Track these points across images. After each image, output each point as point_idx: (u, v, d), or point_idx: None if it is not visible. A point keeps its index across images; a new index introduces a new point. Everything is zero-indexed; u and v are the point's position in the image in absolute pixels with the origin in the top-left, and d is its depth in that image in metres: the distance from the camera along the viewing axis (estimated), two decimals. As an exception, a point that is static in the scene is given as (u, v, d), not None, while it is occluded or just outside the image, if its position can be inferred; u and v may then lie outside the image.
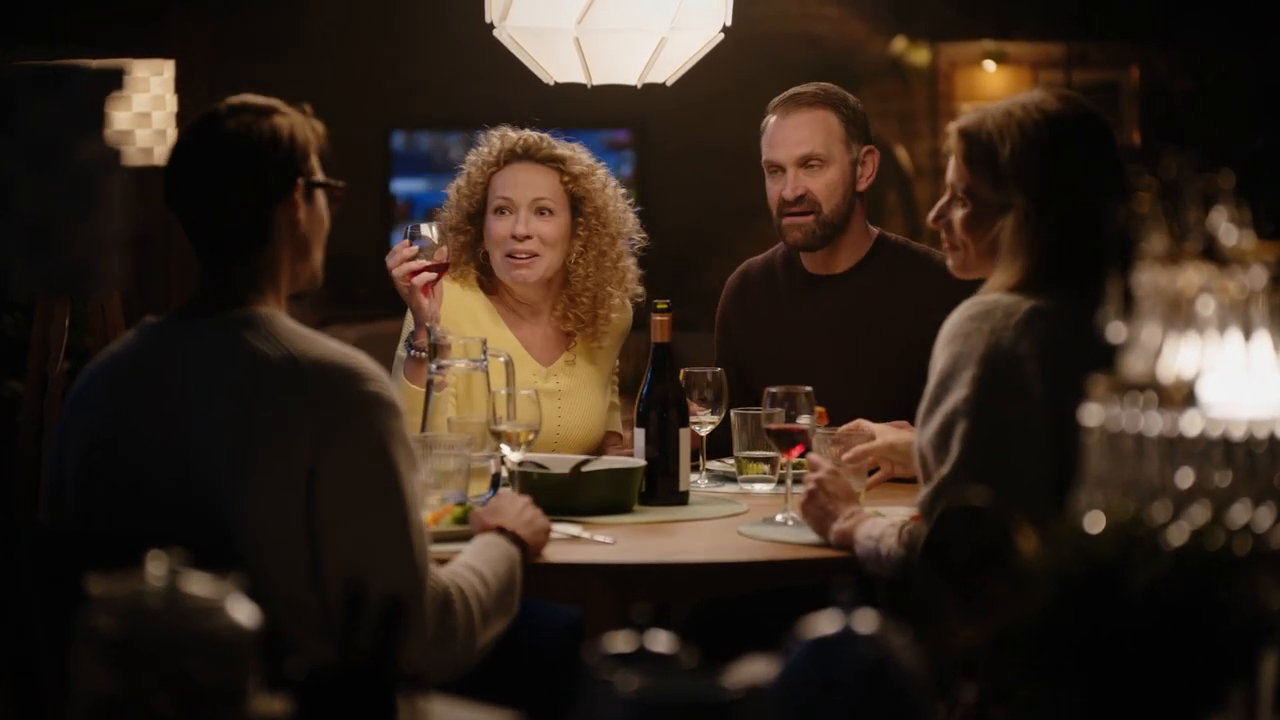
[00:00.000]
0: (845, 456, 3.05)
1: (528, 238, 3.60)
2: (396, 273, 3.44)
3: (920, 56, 8.45)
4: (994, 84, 8.39)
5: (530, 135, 3.68)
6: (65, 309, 4.63)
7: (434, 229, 3.50)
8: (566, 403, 3.67)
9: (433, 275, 3.45)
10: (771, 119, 3.70)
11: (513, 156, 3.65)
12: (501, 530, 2.66)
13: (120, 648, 1.56)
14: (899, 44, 8.47)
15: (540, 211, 3.62)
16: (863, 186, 3.70)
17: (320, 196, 2.44)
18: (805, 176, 3.64)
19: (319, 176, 2.44)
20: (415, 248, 3.45)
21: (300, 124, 2.42)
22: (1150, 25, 8.38)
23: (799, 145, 3.65)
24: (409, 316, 3.56)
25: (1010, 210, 2.59)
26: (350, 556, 2.30)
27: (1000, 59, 8.47)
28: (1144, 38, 8.43)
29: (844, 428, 3.23)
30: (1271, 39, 7.88)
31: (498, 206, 3.63)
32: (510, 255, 3.61)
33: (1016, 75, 8.38)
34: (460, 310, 3.63)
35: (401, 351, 3.52)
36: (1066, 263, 2.56)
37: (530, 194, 3.62)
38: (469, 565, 2.51)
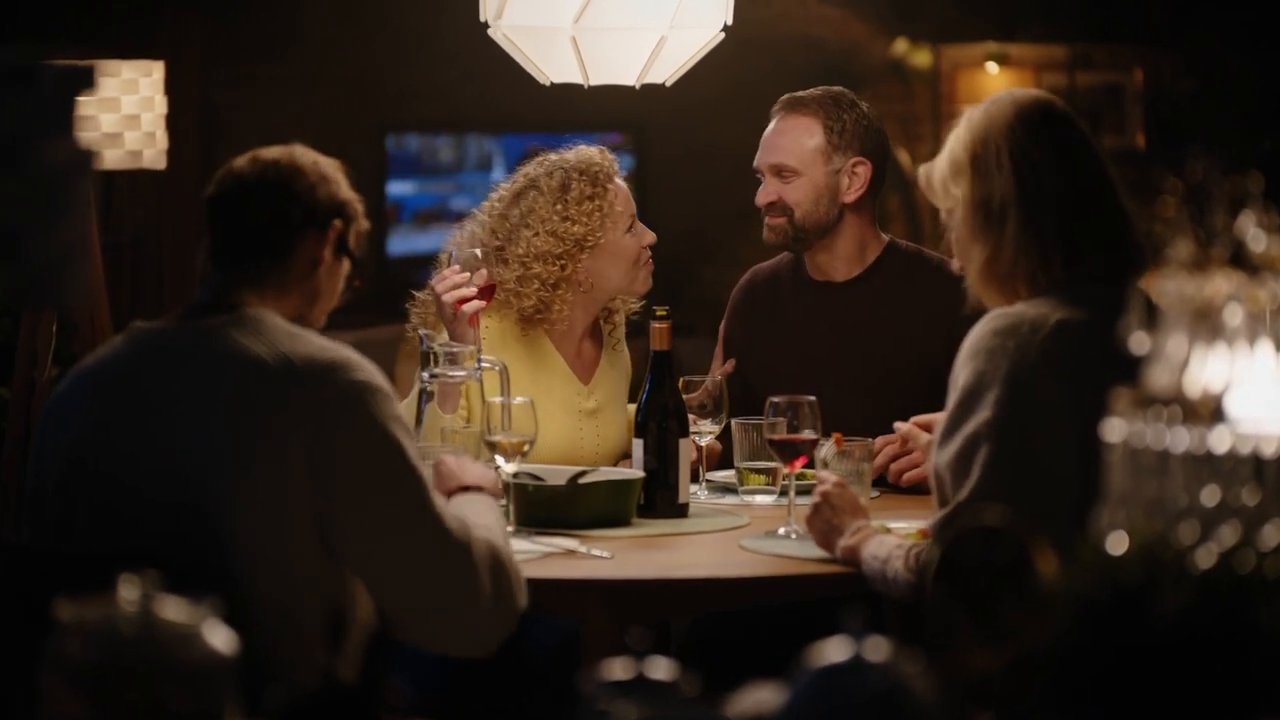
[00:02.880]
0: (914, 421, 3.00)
1: (652, 241, 3.59)
2: (446, 299, 3.32)
3: (922, 58, 8.40)
4: (996, 86, 8.32)
5: (600, 148, 3.62)
6: (53, 314, 4.57)
7: (480, 254, 3.39)
8: (604, 419, 3.59)
9: (482, 303, 3.35)
10: (770, 122, 3.67)
11: (615, 172, 3.59)
12: (480, 489, 2.64)
13: (91, 675, 1.51)
14: (900, 46, 8.42)
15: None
16: (849, 199, 3.60)
17: (344, 265, 2.47)
18: (777, 183, 3.61)
19: (355, 248, 2.48)
20: (465, 275, 3.34)
21: (359, 202, 2.50)
22: (1154, 27, 8.33)
23: (772, 153, 3.63)
24: (424, 332, 3.46)
25: (978, 200, 2.53)
26: (384, 543, 2.28)
27: (1003, 61, 8.41)
28: (1148, 39, 8.38)
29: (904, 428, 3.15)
30: (1276, 39, 7.83)
31: (630, 224, 3.56)
32: (647, 265, 3.57)
33: (1019, 77, 8.32)
34: (511, 337, 3.52)
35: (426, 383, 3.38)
36: (1051, 240, 2.50)
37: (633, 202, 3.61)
38: (474, 524, 2.45)
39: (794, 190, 3.59)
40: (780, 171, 3.60)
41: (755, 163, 3.66)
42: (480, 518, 2.49)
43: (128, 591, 1.52)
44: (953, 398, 2.49)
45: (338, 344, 2.37)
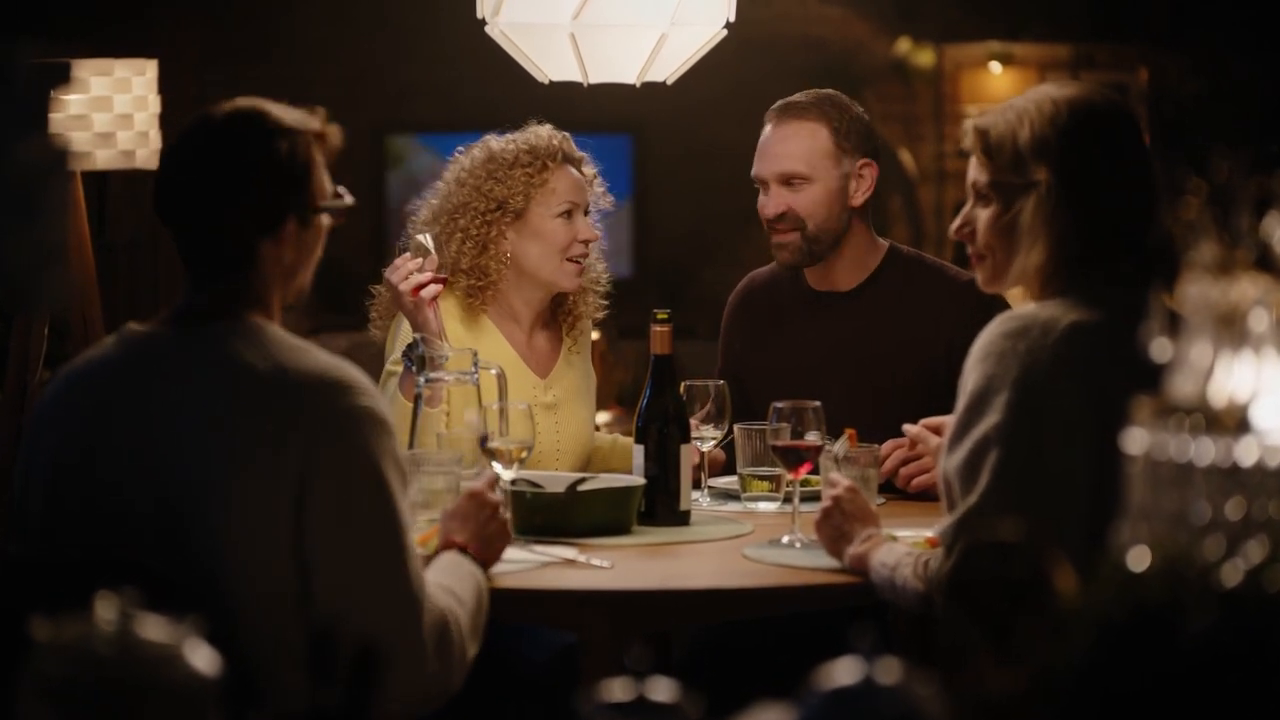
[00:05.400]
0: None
1: (592, 240, 3.50)
2: (402, 287, 3.27)
3: (925, 58, 8.35)
4: (1000, 86, 8.28)
5: (560, 134, 3.54)
6: (45, 317, 4.51)
7: (430, 239, 3.34)
8: (563, 415, 3.54)
9: (439, 287, 3.30)
10: (764, 129, 3.57)
11: (564, 158, 3.50)
12: (463, 551, 2.54)
13: (68, 696, 1.45)
14: (903, 45, 8.37)
15: (587, 212, 3.52)
16: (857, 202, 3.53)
17: (318, 221, 2.32)
18: (786, 193, 3.50)
19: (323, 199, 2.31)
20: (418, 260, 3.29)
21: (303, 144, 2.28)
22: (1158, 27, 8.28)
23: (779, 161, 3.51)
24: (396, 330, 3.42)
25: (1032, 190, 2.44)
26: (341, 580, 2.18)
27: (1006, 60, 8.37)
28: (1152, 39, 8.33)
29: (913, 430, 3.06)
30: (1281, 40, 7.79)
31: (565, 210, 3.47)
32: (574, 259, 3.48)
33: (1023, 77, 8.27)
34: (455, 325, 3.47)
35: (395, 366, 3.35)
36: (1090, 248, 2.43)
37: (585, 197, 3.52)
38: (443, 585, 2.39)
39: (805, 198, 3.49)
40: (789, 179, 3.50)
41: (756, 172, 3.55)
42: (450, 582, 2.40)
43: (105, 610, 1.46)
44: (961, 401, 2.43)
45: (345, 362, 2.26)
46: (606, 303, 3.65)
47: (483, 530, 2.58)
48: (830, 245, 3.52)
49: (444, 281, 3.33)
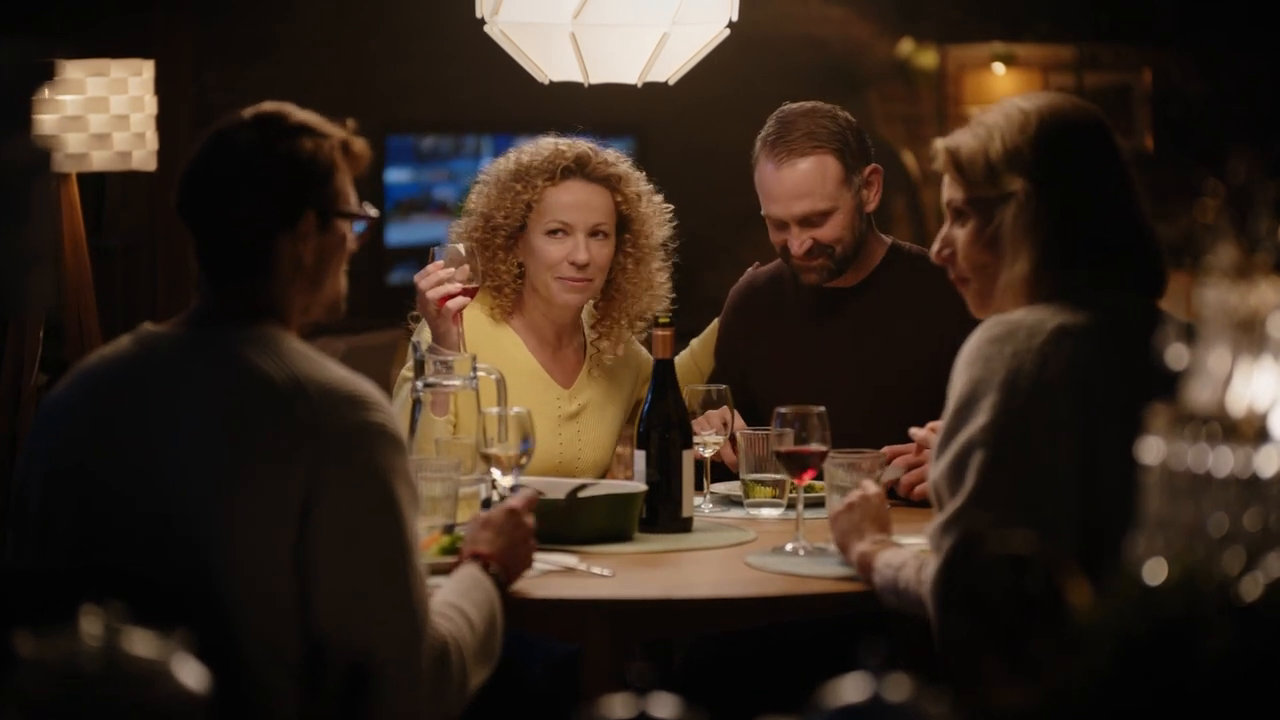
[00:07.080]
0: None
1: (587, 264, 3.40)
2: (431, 294, 3.22)
3: (927, 59, 8.32)
4: (1003, 87, 8.25)
5: (582, 148, 3.44)
6: (40, 319, 4.48)
7: (465, 248, 3.28)
8: (584, 424, 3.49)
9: (467, 300, 3.24)
10: (765, 165, 3.47)
11: (568, 173, 3.42)
12: (486, 566, 2.48)
13: (51, 715, 1.39)
14: (905, 46, 8.34)
15: (595, 234, 3.42)
16: (871, 208, 3.52)
17: (343, 224, 2.29)
18: (809, 230, 3.44)
19: (344, 204, 2.28)
20: (450, 270, 3.23)
21: (327, 146, 2.26)
22: (1162, 26, 8.26)
23: (798, 202, 3.43)
24: (417, 340, 3.37)
25: (1010, 200, 2.42)
26: (344, 598, 2.15)
27: (1009, 61, 8.34)
28: (1155, 39, 8.30)
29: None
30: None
31: (553, 229, 3.40)
32: (563, 279, 3.40)
33: (1026, 78, 8.25)
34: (480, 335, 3.41)
35: (409, 372, 3.30)
36: (1073, 251, 2.42)
37: (590, 218, 3.41)
38: (455, 606, 2.34)
39: (830, 229, 3.45)
40: (809, 218, 3.45)
41: (773, 213, 3.47)
42: (464, 603, 2.35)
43: (90, 624, 1.42)
44: (949, 407, 2.43)
45: (361, 378, 2.22)
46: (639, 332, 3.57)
47: (512, 548, 2.54)
48: (855, 256, 3.50)
49: (473, 293, 3.27)
